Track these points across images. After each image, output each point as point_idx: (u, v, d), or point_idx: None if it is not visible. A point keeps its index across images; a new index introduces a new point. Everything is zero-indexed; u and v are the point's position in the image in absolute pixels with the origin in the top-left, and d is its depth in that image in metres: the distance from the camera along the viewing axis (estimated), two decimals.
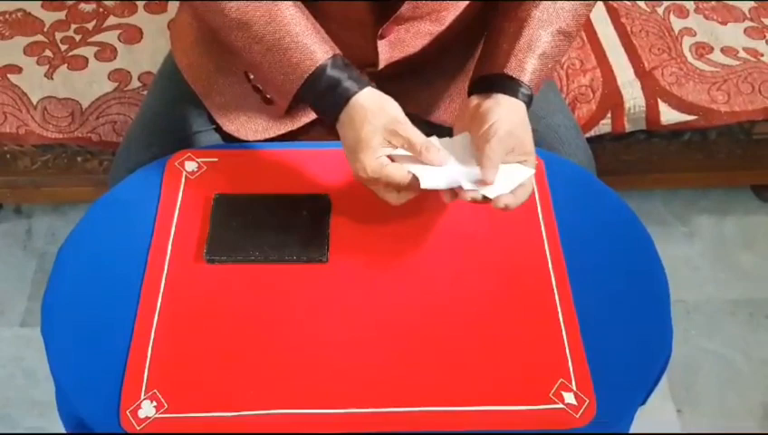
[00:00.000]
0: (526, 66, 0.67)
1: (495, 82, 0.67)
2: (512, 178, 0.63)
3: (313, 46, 0.65)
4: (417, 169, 0.63)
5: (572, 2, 0.70)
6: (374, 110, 0.64)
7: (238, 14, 0.65)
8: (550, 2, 0.69)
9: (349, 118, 0.64)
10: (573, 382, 0.60)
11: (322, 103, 0.65)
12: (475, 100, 0.68)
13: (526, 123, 0.66)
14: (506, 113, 0.65)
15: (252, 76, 0.76)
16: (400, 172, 0.63)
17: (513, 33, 0.68)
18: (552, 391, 0.59)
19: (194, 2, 0.69)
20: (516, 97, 0.67)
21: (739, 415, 1.11)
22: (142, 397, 0.58)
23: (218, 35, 0.70)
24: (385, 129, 0.63)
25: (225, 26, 0.67)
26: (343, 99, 0.64)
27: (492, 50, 0.70)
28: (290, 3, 0.66)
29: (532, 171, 0.64)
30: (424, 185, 0.62)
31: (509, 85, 0.67)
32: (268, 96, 0.76)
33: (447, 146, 0.65)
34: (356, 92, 0.64)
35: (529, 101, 0.68)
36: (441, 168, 0.63)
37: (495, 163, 0.62)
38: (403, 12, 0.70)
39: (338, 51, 0.66)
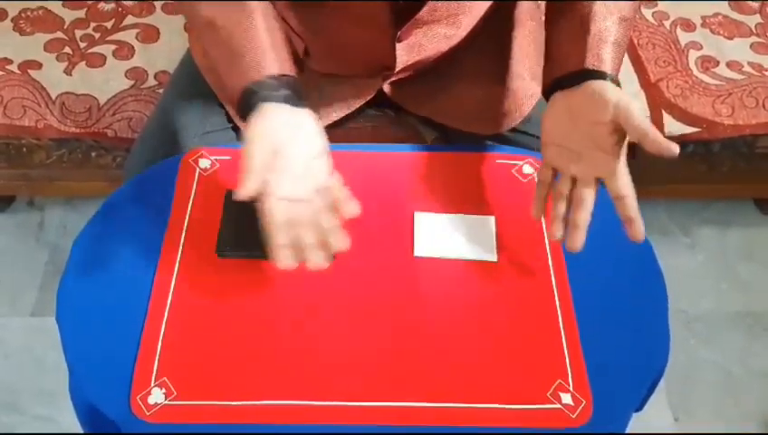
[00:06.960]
0: (604, 57, 0.66)
1: (581, 77, 0.65)
2: (469, 242, 0.67)
3: (267, 60, 0.63)
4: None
5: None
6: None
7: (209, 13, 0.65)
8: None
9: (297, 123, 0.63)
10: (571, 383, 0.61)
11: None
12: (561, 95, 0.66)
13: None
14: (617, 91, 0.64)
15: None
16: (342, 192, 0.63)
17: (581, 29, 0.67)
18: (550, 392, 0.60)
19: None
20: None
21: (736, 425, 1.12)
22: (152, 384, 0.60)
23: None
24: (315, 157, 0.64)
25: (197, 24, 0.67)
26: (290, 102, 0.63)
27: (562, 50, 0.68)
28: (261, 11, 0.65)
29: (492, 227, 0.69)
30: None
31: (595, 77, 0.65)
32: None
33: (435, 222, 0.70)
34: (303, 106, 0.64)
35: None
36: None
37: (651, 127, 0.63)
38: (422, 15, 0.71)
39: (292, 72, 0.65)
